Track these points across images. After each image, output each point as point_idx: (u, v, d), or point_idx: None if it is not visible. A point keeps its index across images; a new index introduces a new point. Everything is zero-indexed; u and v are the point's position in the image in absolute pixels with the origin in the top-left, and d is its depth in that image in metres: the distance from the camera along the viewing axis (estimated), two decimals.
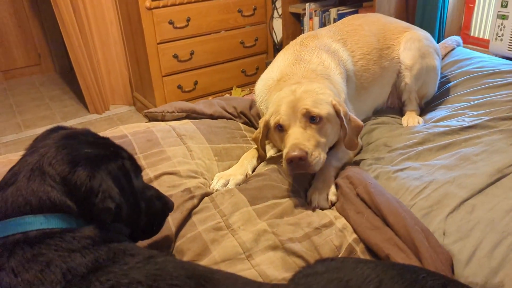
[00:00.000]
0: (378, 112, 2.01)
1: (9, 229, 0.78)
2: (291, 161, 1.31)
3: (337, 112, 1.45)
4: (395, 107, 2.04)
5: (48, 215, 0.81)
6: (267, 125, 1.51)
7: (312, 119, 1.39)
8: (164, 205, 1.11)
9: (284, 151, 1.36)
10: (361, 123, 1.52)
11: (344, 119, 1.45)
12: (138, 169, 1.01)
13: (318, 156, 1.35)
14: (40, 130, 0.99)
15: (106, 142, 0.98)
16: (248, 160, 1.59)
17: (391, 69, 1.93)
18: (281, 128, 1.43)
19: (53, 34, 4.54)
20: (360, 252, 1.24)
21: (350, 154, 1.63)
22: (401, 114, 2.00)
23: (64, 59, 4.64)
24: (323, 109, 1.40)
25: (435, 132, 1.63)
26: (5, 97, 4.19)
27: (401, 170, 1.46)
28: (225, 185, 1.48)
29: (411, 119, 1.88)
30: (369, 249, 1.25)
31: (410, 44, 1.91)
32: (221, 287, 0.80)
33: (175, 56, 3.24)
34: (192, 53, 3.31)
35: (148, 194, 1.06)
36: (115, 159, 0.92)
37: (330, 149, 1.61)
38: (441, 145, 1.54)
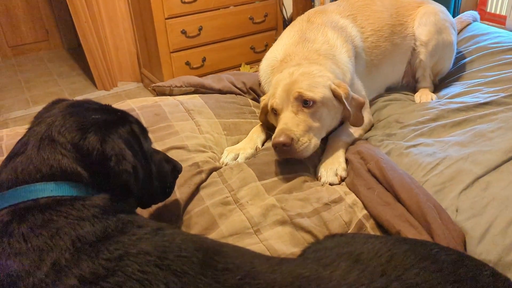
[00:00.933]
0: (391, 89, 1.96)
1: (20, 196, 0.78)
2: (276, 147, 1.31)
3: (337, 96, 1.42)
4: (409, 86, 2.00)
5: (59, 182, 0.80)
6: (265, 107, 1.52)
7: (305, 102, 1.37)
8: (173, 167, 1.13)
9: (273, 136, 1.35)
10: (362, 99, 1.50)
11: (346, 102, 1.42)
12: (145, 132, 1.02)
13: (307, 142, 1.33)
14: None
15: (111, 108, 0.98)
16: (257, 134, 1.58)
17: (404, 46, 1.87)
18: (275, 112, 1.43)
19: (61, 10, 4.50)
20: (370, 228, 1.23)
21: (359, 130, 1.60)
22: (414, 91, 1.95)
23: (72, 35, 4.60)
24: (318, 93, 1.38)
25: (449, 108, 1.59)
26: (14, 73, 4.18)
27: (414, 146, 1.44)
28: (235, 159, 1.47)
29: (424, 95, 1.84)
30: (379, 225, 1.23)
31: (426, 19, 1.85)
32: (230, 260, 0.79)
33: (183, 32, 3.19)
34: (200, 29, 3.25)
35: (157, 157, 1.07)
36: (123, 123, 0.92)
37: (340, 125, 1.58)
38: (455, 121, 1.51)
